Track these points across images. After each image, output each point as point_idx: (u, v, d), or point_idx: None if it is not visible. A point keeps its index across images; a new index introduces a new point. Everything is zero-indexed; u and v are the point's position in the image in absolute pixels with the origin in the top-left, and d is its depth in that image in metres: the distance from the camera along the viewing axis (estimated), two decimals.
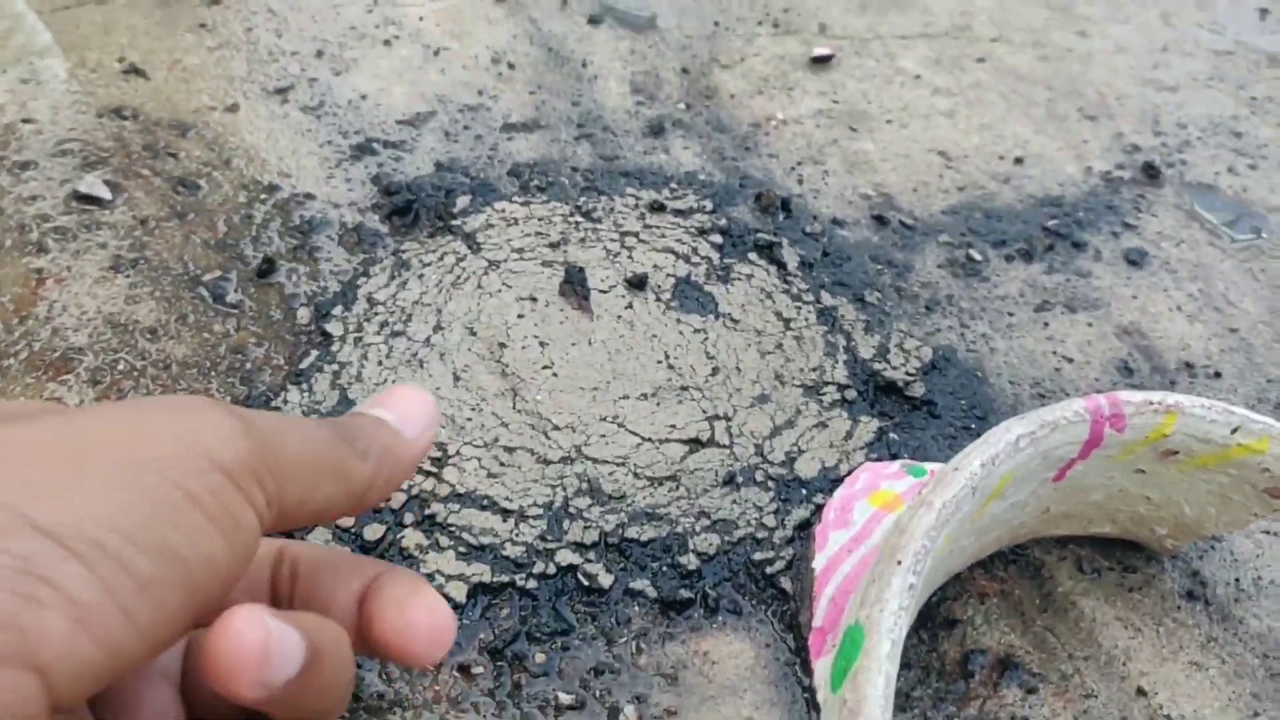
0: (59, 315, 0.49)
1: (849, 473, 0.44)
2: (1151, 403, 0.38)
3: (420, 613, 0.28)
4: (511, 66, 0.66)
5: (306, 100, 0.63)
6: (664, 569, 0.41)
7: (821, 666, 0.38)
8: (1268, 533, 0.44)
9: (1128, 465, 0.40)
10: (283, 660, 0.24)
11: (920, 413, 0.47)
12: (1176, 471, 0.40)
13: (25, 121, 0.60)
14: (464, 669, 0.38)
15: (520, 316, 0.49)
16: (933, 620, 0.40)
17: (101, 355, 0.48)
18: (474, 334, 0.49)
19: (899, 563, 0.34)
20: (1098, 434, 0.38)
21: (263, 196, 0.57)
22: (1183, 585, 0.42)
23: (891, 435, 0.46)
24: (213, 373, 0.47)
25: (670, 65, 0.67)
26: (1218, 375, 0.50)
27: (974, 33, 0.73)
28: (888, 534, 0.36)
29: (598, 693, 0.38)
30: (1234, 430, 0.39)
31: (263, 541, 0.29)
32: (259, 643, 0.24)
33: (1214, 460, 0.39)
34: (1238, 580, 0.43)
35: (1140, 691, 0.39)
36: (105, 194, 0.56)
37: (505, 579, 0.40)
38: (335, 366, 0.47)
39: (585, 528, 0.41)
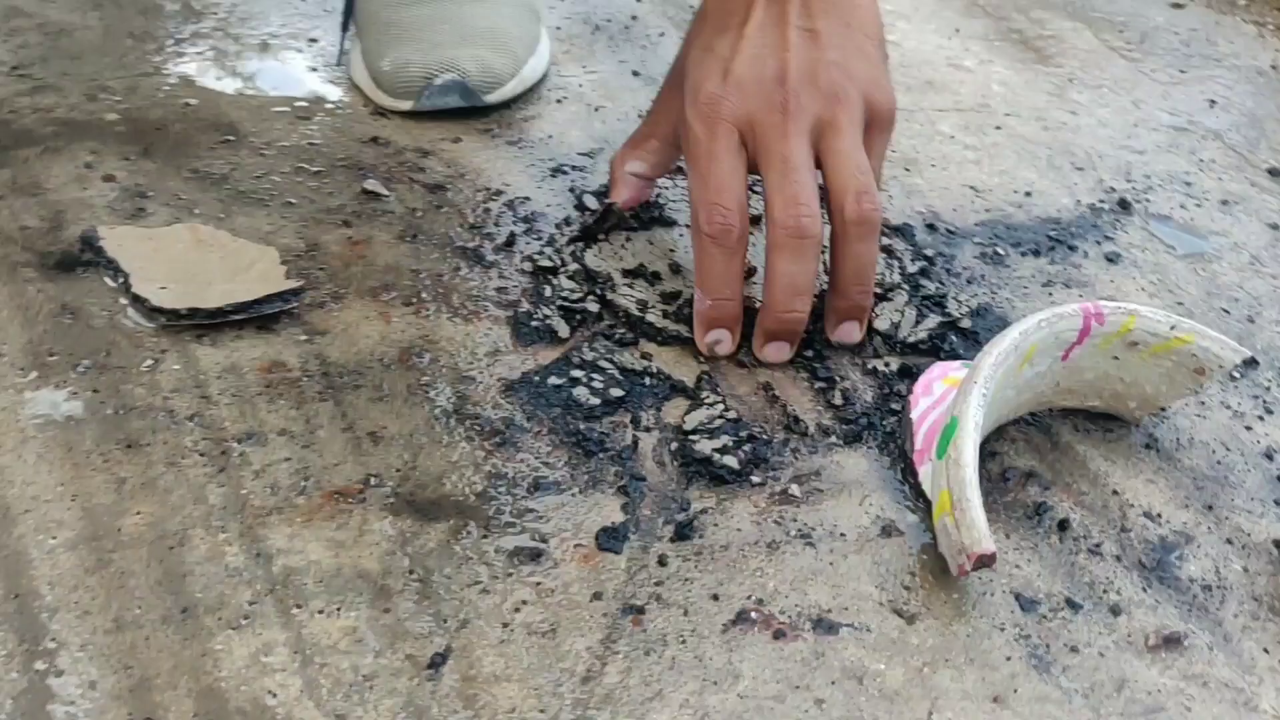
0: (371, 264, 0.72)
1: (923, 369, 0.66)
2: (1121, 308, 0.61)
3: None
4: None
5: (510, 137, 0.87)
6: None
7: (924, 470, 0.60)
8: (1198, 416, 0.67)
9: (1108, 352, 0.63)
10: None
11: (969, 340, 0.70)
12: (1139, 358, 0.63)
13: (311, 144, 0.84)
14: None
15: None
16: (982, 453, 0.62)
17: (407, 289, 0.71)
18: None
19: (975, 382, 0.57)
20: (1088, 324, 0.61)
21: (494, 197, 0.80)
22: (1143, 440, 0.65)
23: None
24: (487, 301, 0.70)
25: None
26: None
27: (992, 109, 0.97)
28: (966, 373, 0.59)
29: (766, 478, 0.60)
30: (1172, 327, 0.62)
31: None
32: None
33: (1162, 349, 0.62)
34: (1178, 439, 0.65)
35: (1115, 492, 0.61)
36: (384, 191, 0.79)
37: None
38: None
39: None
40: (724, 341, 0.67)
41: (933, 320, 0.70)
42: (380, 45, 0.88)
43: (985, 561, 0.53)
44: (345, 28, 0.93)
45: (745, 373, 0.67)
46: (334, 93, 0.91)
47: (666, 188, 0.80)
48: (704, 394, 0.65)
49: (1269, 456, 0.65)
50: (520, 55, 0.90)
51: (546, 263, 0.72)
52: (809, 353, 0.68)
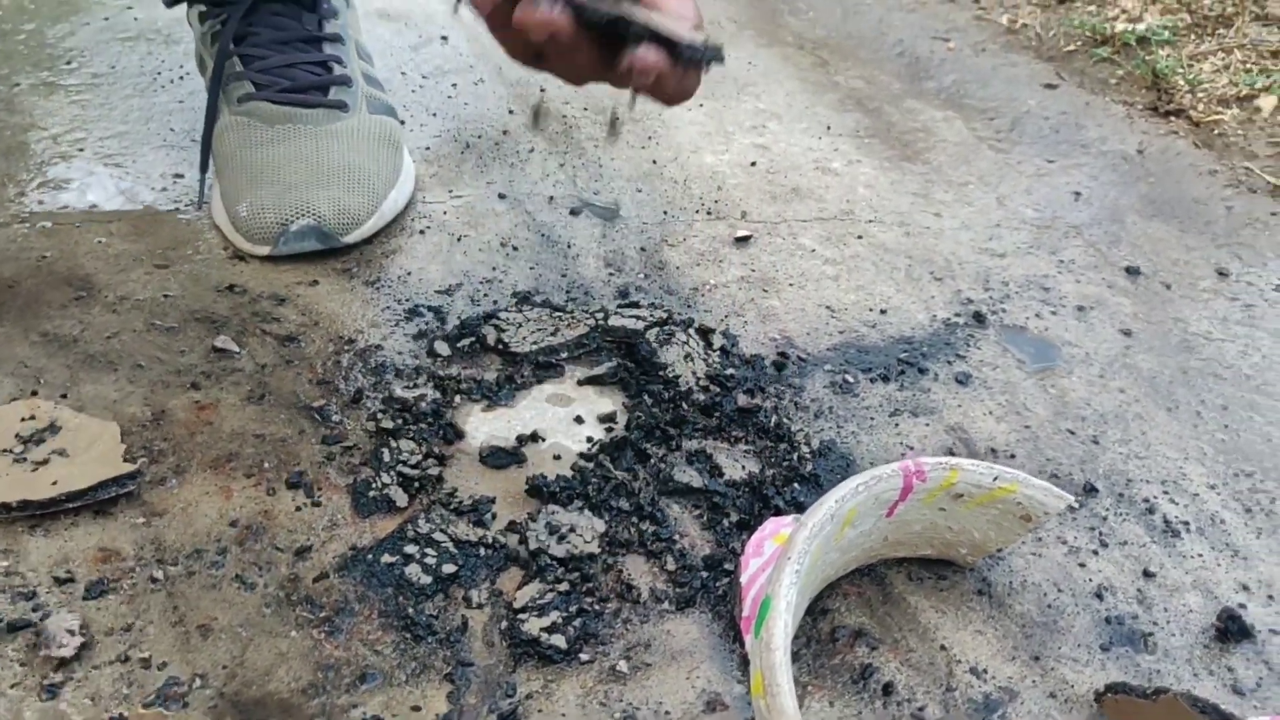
0: (217, 431, 0.72)
1: (759, 524, 0.67)
2: (941, 463, 0.62)
3: None
4: (515, 249, 0.91)
5: (368, 276, 0.87)
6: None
7: (750, 639, 0.61)
8: (1033, 554, 0.68)
9: (934, 505, 0.63)
10: None
11: (809, 484, 0.71)
12: (965, 509, 0.64)
13: (166, 296, 0.84)
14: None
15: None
16: (814, 611, 0.63)
17: (250, 459, 0.71)
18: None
19: (789, 559, 0.58)
20: (909, 483, 0.62)
21: (346, 347, 0.80)
22: (976, 586, 0.66)
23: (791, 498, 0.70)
24: (329, 468, 0.70)
25: (632, 245, 0.92)
26: (1013, 457, 0.74)
27: (855, 216, 0.98)
28: (782, 546, 0.60)
29: (596, 654, 0.60)
30: (994, 479, 0.63)
31: None
32: None
33: (987, 499, 0.63)
34: (1010, 582, 0.66)
35: (942, 648, 0.62)
36: (235, 347, 0.79)
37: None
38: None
39: None
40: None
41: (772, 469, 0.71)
42: (236, 188, 0.88)
43: None
44: (204, 168, 0.93)
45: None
46: (194, 236, 0.91)
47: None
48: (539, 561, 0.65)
49: (1099, 596, 0.66)
50: (379, 191, 0.90)
51: (389, 424, 0.72)
52: (647, 509, 0.68)
